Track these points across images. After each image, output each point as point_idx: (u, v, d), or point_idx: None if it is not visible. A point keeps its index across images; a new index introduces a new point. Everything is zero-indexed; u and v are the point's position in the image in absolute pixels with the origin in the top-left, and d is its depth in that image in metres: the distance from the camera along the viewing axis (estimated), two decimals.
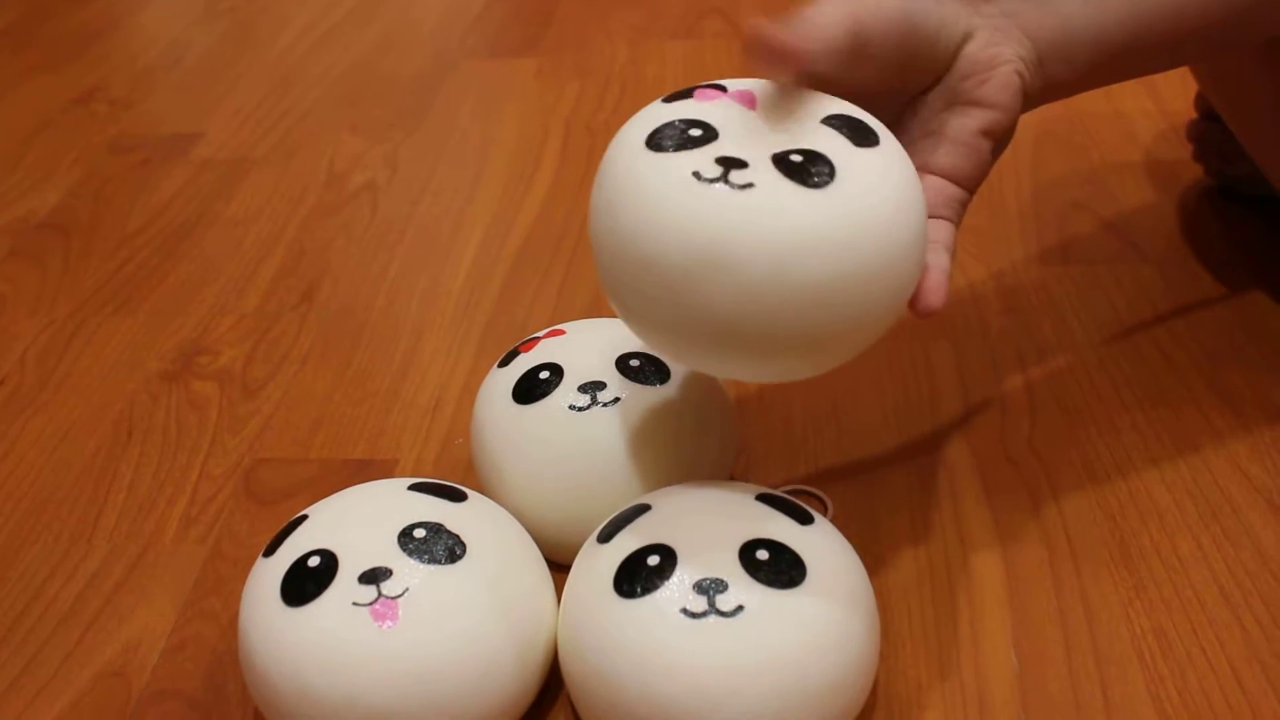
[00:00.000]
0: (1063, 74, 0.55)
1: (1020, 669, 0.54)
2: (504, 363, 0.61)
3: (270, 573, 0.50)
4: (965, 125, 0.53)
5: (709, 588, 0.46)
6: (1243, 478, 0.63)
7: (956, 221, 0.54)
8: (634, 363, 0.59)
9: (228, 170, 1.00)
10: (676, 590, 0.47)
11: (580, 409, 0.57)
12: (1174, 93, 0.98)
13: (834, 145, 0.46)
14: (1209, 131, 0.86)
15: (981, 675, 0.54)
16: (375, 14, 1.29)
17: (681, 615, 0.46)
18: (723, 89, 0.50)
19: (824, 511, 0.62)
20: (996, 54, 0.53)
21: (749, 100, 0.49)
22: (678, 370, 0.59)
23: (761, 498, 0.51)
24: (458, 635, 0.48)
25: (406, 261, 0.86)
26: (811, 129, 0.47)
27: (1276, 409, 0.68)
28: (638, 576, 0.48)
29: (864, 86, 0.51)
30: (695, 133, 0.47)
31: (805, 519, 0.50)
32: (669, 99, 0.50)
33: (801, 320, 0.45)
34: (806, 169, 0.45)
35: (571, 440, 0.57)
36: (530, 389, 0.58)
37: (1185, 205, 0.87)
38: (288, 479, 0.67)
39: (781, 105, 0.49)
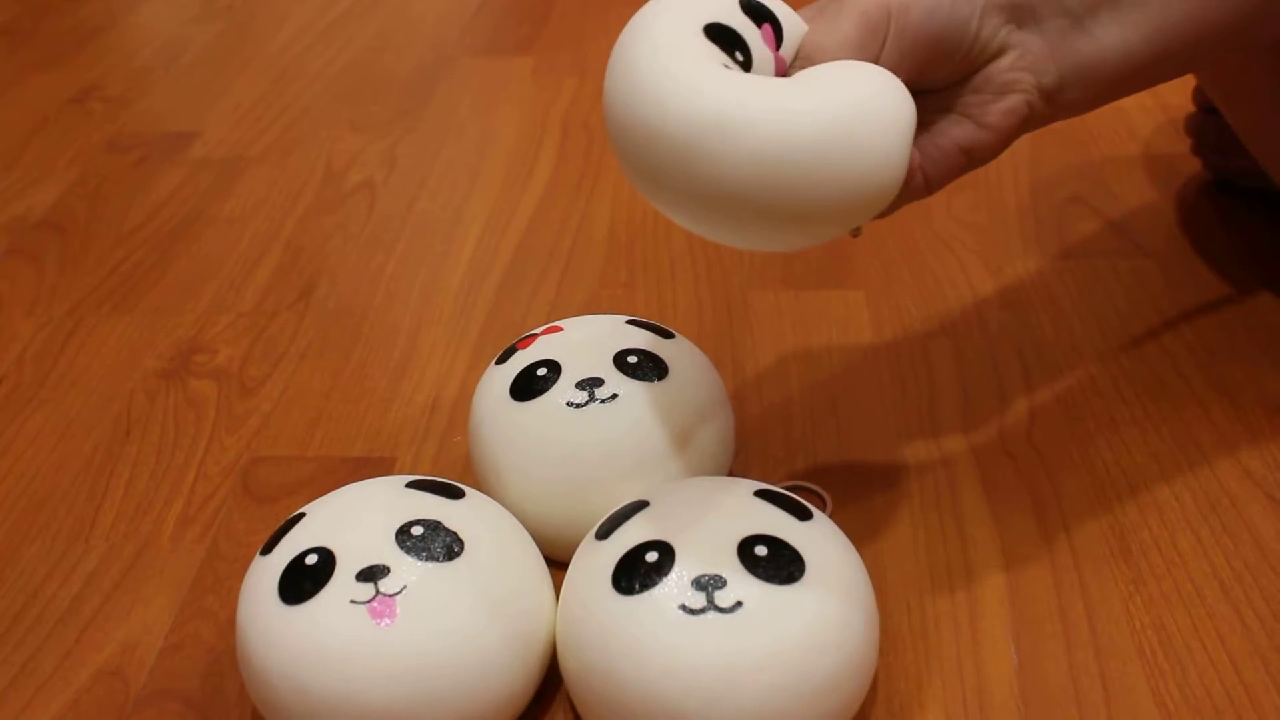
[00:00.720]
0: (1078, 97, 0.55)
1: (1020, 665, 0.54)
2: (501, 360, 0.61)
3: (268, 571, 0.50)
4: (953, 135, 0.53)
5: (707, 584, 0.46)
6: (1242, 472, 0.63)
7: None
8: (632, 359, 0.59)
9: (225, 168, 0.99)
10: (675, 586, 0.47)
11: (578, 406, 0.57)
12: (1172, 87, 0.97)
13: None
14: (1207, 125, 0.86)
15: (981, 671, 0.53)
16: (373, 11, 1.29)
17: (680, 611, 0.46)
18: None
19: (823, 508, 0.62)
20: (1015, 80, 0.52)
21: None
22: (676, 367, 0.59)
23: (760, 494, 0.51)
24: (456, 632, 0.48)
25: (404, 259, 0.86)
26: None
27: (1275, 403, 0.67)
28: (636, 573, 0.47)
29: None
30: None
31: (804, 515, 0.50)
32: None
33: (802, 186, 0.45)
34: None
35: (569, 437, 0.57)
36: (528, 386, 0.58)
37: (1184, 199, 0.87)
38: (285, 477, 0.67)
39: None
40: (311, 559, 0.49)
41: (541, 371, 0.58)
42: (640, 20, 0.49)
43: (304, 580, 0.49)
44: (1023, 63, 0.52)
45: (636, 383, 0.58)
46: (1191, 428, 0.66)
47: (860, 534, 0.60)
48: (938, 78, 0.52)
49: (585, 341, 0.60)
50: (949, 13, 0.50)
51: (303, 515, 0.52)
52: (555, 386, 0.58)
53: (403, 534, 0.50)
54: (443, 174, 0.97)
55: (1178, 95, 0.95)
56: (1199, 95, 0.87)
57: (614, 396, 0.57)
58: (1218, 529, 0.60)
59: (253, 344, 0.78)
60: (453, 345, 0.76)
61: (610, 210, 0.90)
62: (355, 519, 0.51)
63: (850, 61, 0.48)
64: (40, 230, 0.92)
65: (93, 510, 0.66)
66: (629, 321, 0.62)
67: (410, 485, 0.53)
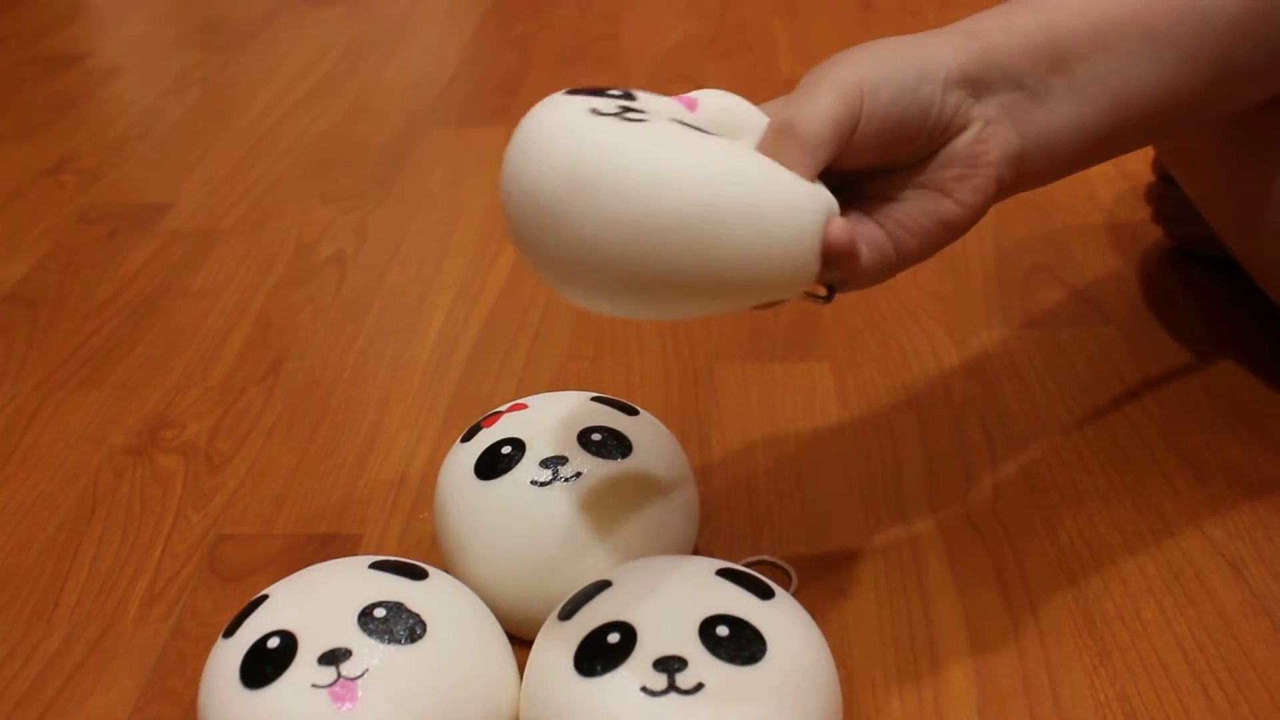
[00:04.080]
0: (1042, 168, 0.56)
1: None
2: (466, 438, 0.61)
3: (230, 654, 0.50)
4: (929, 211, 0.53)
5: (669, 665, 0.46)
6: (1205, 540, 0.64)
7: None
8: (596, 437, 0.59)
9: (196, 241, 1.00)
10: (637, 668, 0.47)
11: (542, 484, 0.57)
12: (1133, 155, 0.99)
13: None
14: (1166, 194, 0.88)
15: None
16: (345, 83, 1.30)
17: (642, 694, 0.46)
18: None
19: (788, 582, 0.62)
20: (983, 153, 0.53)
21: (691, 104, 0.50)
22: (640, 445, 0.59)
23: (722, 572, 0.51)
24: (418, 716, 0.48)
25: (373, 333, 0.86)
26: None
27: (1238, 470, 0.68)
28: (598, 655, 0.47)
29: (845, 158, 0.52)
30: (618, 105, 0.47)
31: (766, 593, 0.50)
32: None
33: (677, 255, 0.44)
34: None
35: (534, 516, 0.57)
36: (492, 464, 0.58)
37: (1146, 267, 0.88)
38: (252, 555, 0.67)
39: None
40: (273, 642, 0.49)
41: (506, 450, 0.59)
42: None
43: (266, 664, 0.49)
44: (986, 134, 0.53)
45: (601, 461, 0.58)
46: (1154, 497, 0.67)
47: (824, 608, 0.60)
48: (906, 154, 0.53)
49: (550, 419, 0.60)
50: (914, 92, 0.51)
51: (266, 597, 0.52)
52: (519, 465, 0.58)
53: (365, 616, 0.50)
54: (413, 245, 0.97)
55: (1139, 163, 0.97)
56: (1158, 165, 0.89)
57: (578, 475, 0.57)
58: (1181, 599, 0.60)
59: (221, 419, 0.78)
60: (420, 419, 0.77)
61: None
62: (318, 601, 0.51)
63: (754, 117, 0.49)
64: (10, 304, 0.92)
65: (56, 589, 0.65)
66: (593, 398, 0.62)
67: (373, 566, 0.53)
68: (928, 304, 0.85)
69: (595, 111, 0.46)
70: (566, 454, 0.58)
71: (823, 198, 0.49)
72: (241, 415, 0.78)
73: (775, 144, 0.50)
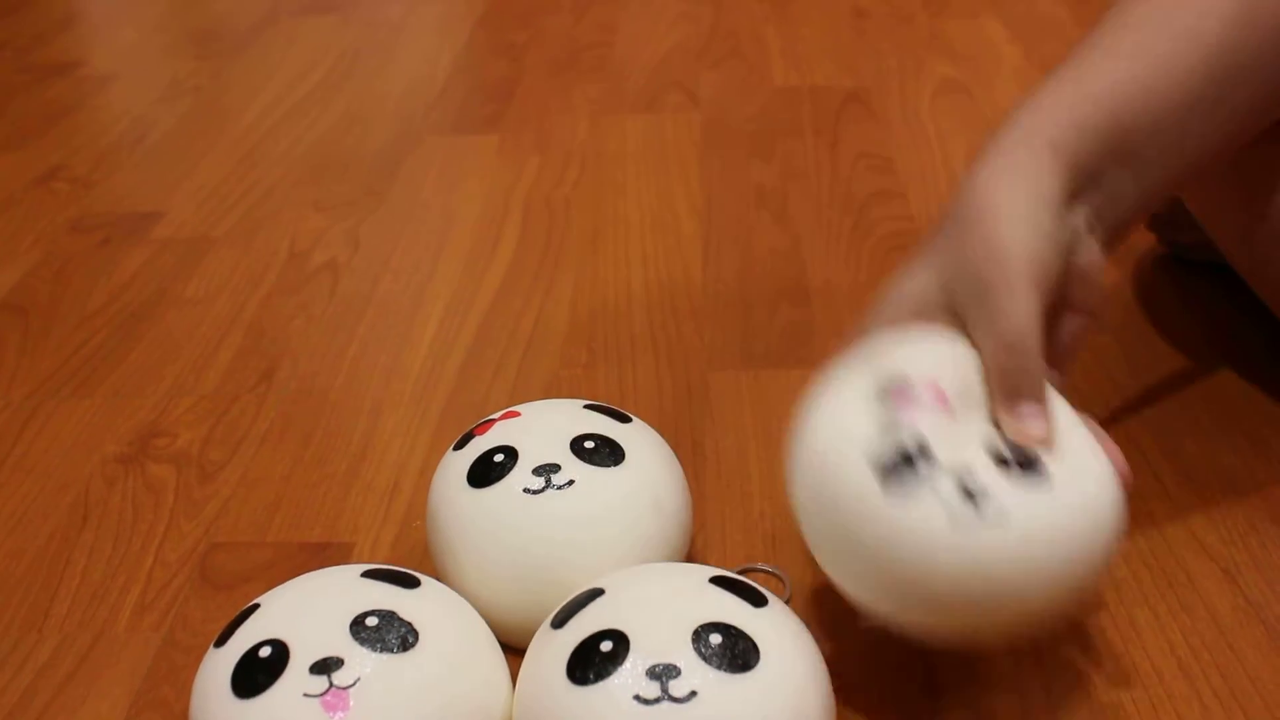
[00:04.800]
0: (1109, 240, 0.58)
1: None
2: (459, 446, 0.61)
3: (221, 664, 0.50)
4: (1077, 335, 0.56)
5: (662, 673, 0.46)
6: (1199, 546, 0.64)
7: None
8: (589, 444, 0.59)
9: (188, 249, 1.00)
10: (629, 676, 0.46)
11: (534, 492, 0.57)
12: None
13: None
14: None
15: None
16: (339, 91, 1.30)
17: (635, 702, 0.46)
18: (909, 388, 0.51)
19: (783, 590, 0.62)
20: (1095, 259, 0.56)
21: (939, 393, 0.51)
22: (633, 452, 0.59)
23: (715, 580, 0.51)
24: None
25: (366, 341, 0.86)
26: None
27: (1232, 477, 0.68)
28: (591, 663, 0.47)
29: None
30: (917, 460, 0.49)
31: (759, 601, 0.50)
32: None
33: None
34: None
35: (526, 524, 0.57)
36: (484, 472, 0.58)
37: (1140, 273, 0.88)
38: (244, 563, 0.67)
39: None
40: (265, 651, 0.49)
41: (498, 458, 0.59)
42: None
43: (257, 673, 0.48)
44: (1091, 242, 0.56)
45: (593, 468, 0.58)
46: (1148, 503, 0.67)
47: (818, 616, 0.60)
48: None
49: (542, 427, 0.60)
50: (1057, 238, 0.54)
51: (257, 606, 0.52)
52: (512, 472, 0.58)
53: (357, 625, 0.49)
54: (406, 253, 0.97)
55: None
56: None
57: (570, 483, 0.57)
58: (1175, 605, 0.60)
59: (213, 427, 0.78)
60: (413, 428, 0.76)
61: (571, 290, 0.91)
62: (310, 610, 0.51)
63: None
64: (1, 312, 0.92)
65: (47, 599, 0.65)
66: (586, 406, 0.62)
67: (366, 575, 0.53)
68: None
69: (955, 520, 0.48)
70: (559, 461, 0.58)
71: (1109, 482, 0.52)
72: (234, 424, 0.78)
73: (1011, 385, 0.51)
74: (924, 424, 0.49)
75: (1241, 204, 0.71)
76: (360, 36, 1.46)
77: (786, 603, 0.53)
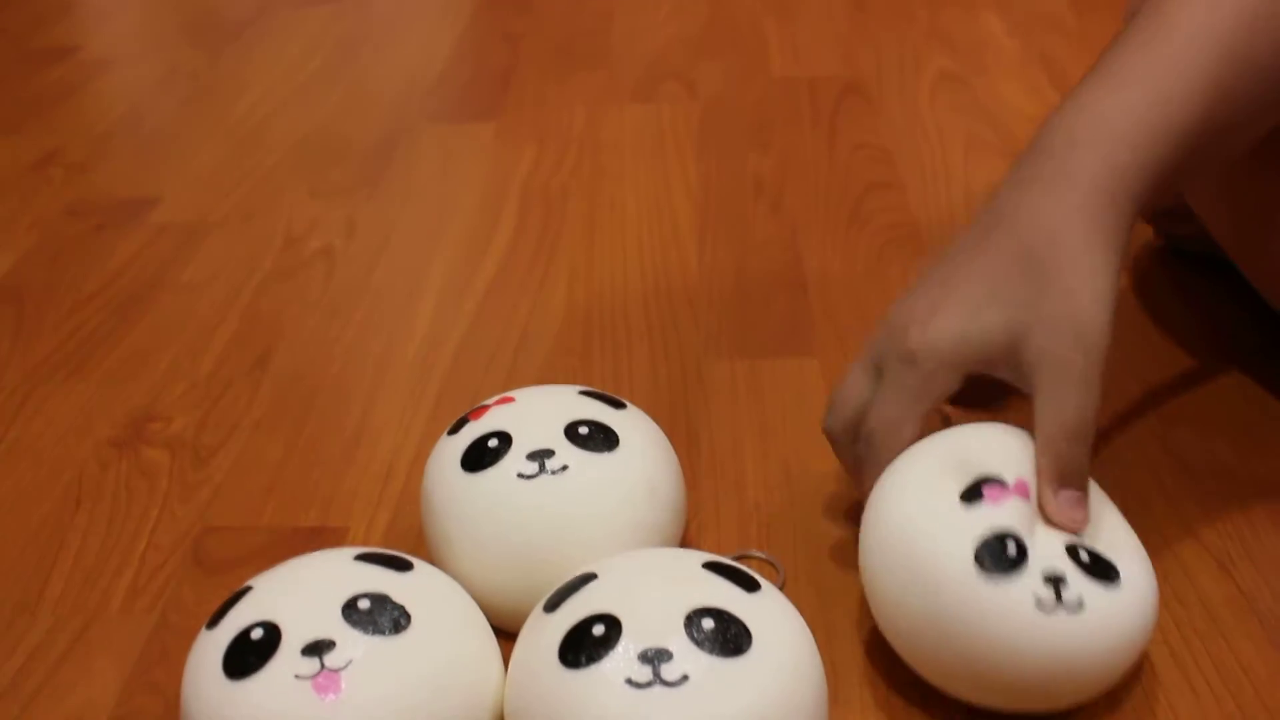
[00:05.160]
0: None
1: None
2: (453, 430, 0.61)
3: (213, 645, 0.50)
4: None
5: (654, 657, 0.46)
6: (1194, 539, 0.64)
7: None
8: (583, 430, 0.59)
9: (184, 235, 0.99)
10: (621, 660, 0.46)
11: (529, 477, 0.57)
12: None
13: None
14: None
15: None
16: (336, 78, 1.30)
17: (626, 685, 0.46)
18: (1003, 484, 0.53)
19: (776, 576, 0.62)
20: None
21: (1025, 490, 0.53)
22: (627, 438, 0.59)
23: (708, 565, 0.51)
24: (401, 708, 0.48)
25: (362, 327, 0.86)
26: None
27: (1228, 469, 0.68)
28: (583, 646, 0.47)
29: None
30: (1012, 551, 0.51)
31: (752, 586, 0.50)
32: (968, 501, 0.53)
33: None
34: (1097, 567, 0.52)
35: (520, 509, 0.57)
36: (479, 457, 0.58)
37: (1137, 265, 0.88)
38: (237, 547, 0.66)
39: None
40: (257, 633, 0.49)
41: (493, 443, 0.58)
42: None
43: (249, 655, 0.48)
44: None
45: (587, 454, 0.58)
46: (1144, 494, 0.67)
47: (812, 604, 0.60)
48: None
49: (537, 412, 0.60)
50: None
51: (249, 588, 0.52)
52: (506, 458, 0.58)
53: (349, 608, 0.49)
54: (402, 241, 0.97)
55: None
56: None
57: (564, 468, 0.57)
58: (1169, 597, 0.60)
59: (208, 412, 0.78)
60: (408, 414, 0.76)
61: (567, 278, 0.90)
62: (302, 592, 0.51)
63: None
64: None
65: (40, 581, 0.65)
66: (581, 392, 0.62)
67: (358, 558, 0.53)
68: None
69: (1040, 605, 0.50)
70: (553, 447, 0.58)
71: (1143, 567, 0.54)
72: (228, 409, 0.78)
73: (1063, 471, 0.53)
74: (1017, 518, 0.52)
75: (1242, 196, 0.71)
76: (358, 24, 1.46)
77: (780, 589, 0.53)
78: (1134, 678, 0.56)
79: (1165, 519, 0.65)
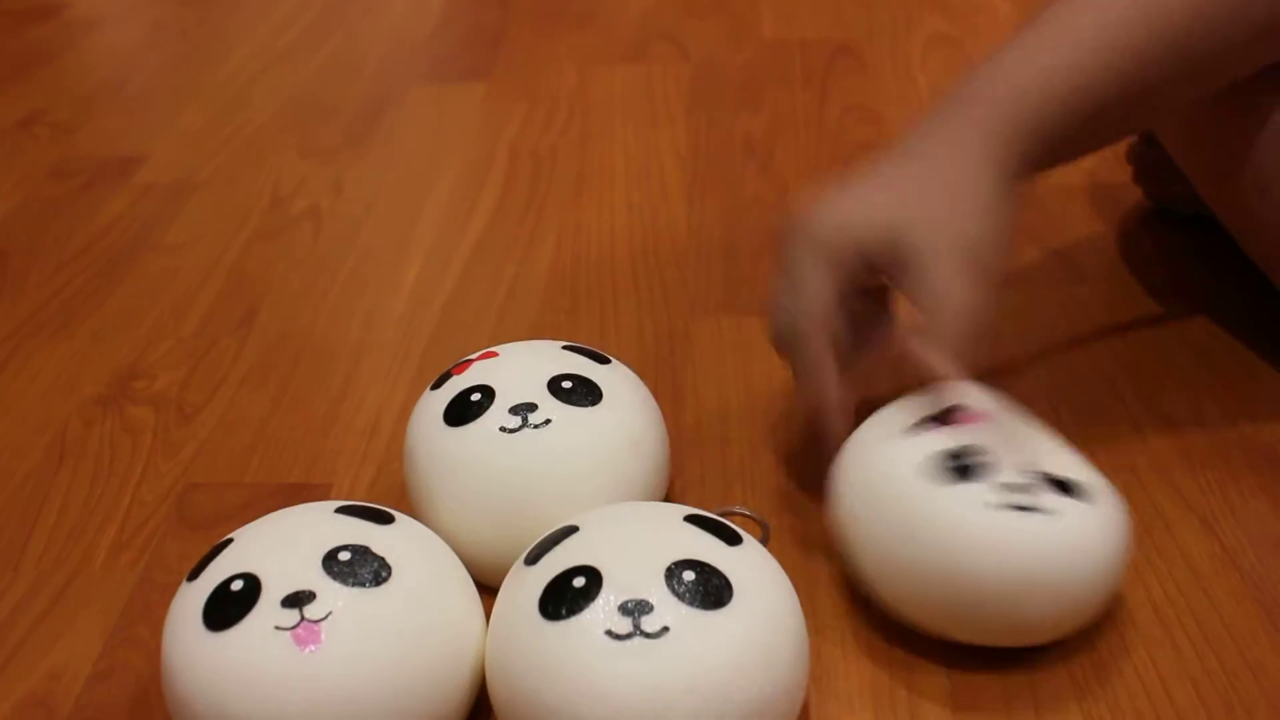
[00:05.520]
0: None
1: (952, 686, 0.54)
2: (436, 385, 0.61)
3: (193, 597, 0.49)
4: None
5: (634, 609, 0.46)
6: (1177, 495, 0.64)
7: None
8: (566, 384, 0.58)
9: (170, 194, 0.99)
10: (602, 612, 0.46)
11: (511, 431, 0.57)
12: None
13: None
14: (1148, 154, 0.87)
15: (914, 693, 0.53)
16: (325, 37, 1.29)
17: (606, 637, 0.46)
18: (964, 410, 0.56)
19: (760, 533, 0.62)
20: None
21: (987, 418, 0.55)
22: (610, 392, 0.59)
23: (690, 519, 0.51)
24: (382, 659, 0.47)
25: (347, 285, 0.86)
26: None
27: (1211, 427, 0.68)
28: (563, 598, 0.47)
29: None
30: (968, 462, 0.53)
31: (733, 540, 0.50)
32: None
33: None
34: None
35: (502, 463, 0.57)
36: (461, 411, 0.58)
37: (1125, 227, 0.88)
38: (221, 504, 0.66)
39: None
40: (237, 585, 0.49)
41: (475, 397, 0.58)
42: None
43: (229, 606, 0.48)
44: None
45: (570, 408, 0.58)
46: (1128, 453, 0.67)
47: (796, 561, 0.60)
48: None
49: (520, 367, 0.60)
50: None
51: (230, 541, 0.52)
52: (489, 412, 0.57)
53: (330, 559, 0.49)
54: (389, 200, 0.97)
55: None
56: None
57: (547, 422, 0.57)
58: (1151, 553, 0.60)
59: (192, 370, 0.77)
60: (393, 371, 0.76)
61: (555, 236, 0.90)
62: (282, 544, 0.51)
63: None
64: None
65: (23, 538, 0.65)
66: (565, 347, 0.62)
67: (339, 510, 0.52)
68: None
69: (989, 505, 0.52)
70: (536, 401, 0.58)
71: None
72: (213, 366, 0.78)
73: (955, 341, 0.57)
74: (975, 439, 0.54)
75: (1229, 155, 0.70)
76: None
77: (764, 545, 0.53)
78: (1114, 631, 0.56)
79: (1148, 476, 0.65)
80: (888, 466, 0.54)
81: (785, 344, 0.61)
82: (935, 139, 0.61)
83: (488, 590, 0.54)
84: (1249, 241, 0.73)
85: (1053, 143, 0.61)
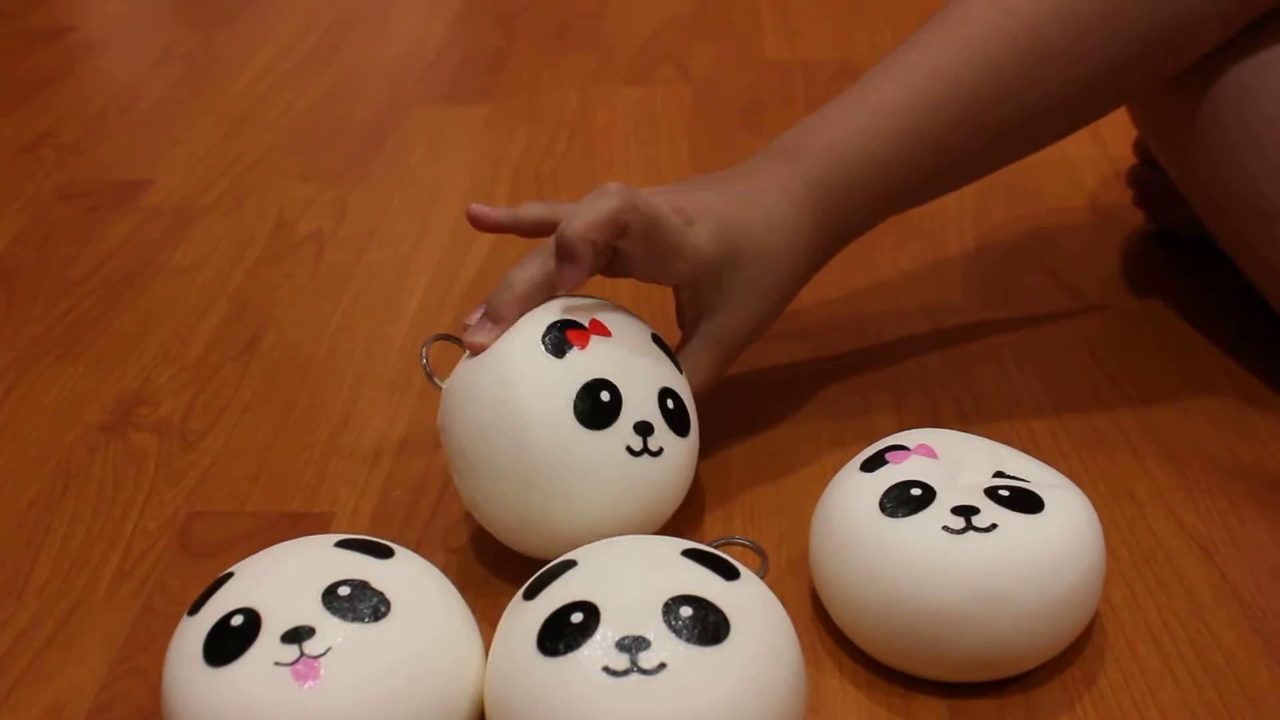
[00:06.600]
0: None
1: (951, 716, 0.54)
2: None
3: (193, 631, 0.50)
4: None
5: (631, 645, 0.46)
6: (1177, 524, 0.64)
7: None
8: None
9: (176, 217, 0.99)
10: (599, 648, 0.46)
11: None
12: (1119, 138, 0.99)
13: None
14: (1149, 177, 0.87)
15: None
16: (330, 60, 1.29)
17: (604, 674, 0.46)
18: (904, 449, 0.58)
19: (760, 563, 0.62)
20: None
21: (930, 452, 0.58)
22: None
23: (688, 553, 0.51)
24: (380, 694, 0.48)
25: (350, 311, 0.86)
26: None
27: (1212, 455, 0.68)
28: (561, 634, 0.47)
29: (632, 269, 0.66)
30: (916, 492, 0.55)
31: (731, 574, 0.50)
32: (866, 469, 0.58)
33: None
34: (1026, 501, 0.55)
35: None
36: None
37: (1127, 250, 0.88)
38: (223, 533, 0.67)
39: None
40: (237, 620, 0.49)
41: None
42: None
43: (229, 641, 0.48)
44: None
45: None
46: (1128, 479, 0.67)
47: (795, 590, 0.60)
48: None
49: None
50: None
51: (230, 574, 0.52)
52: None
53: (329, 594, 0.49)
54: (392, 224, 0.97)
55: (1122, 146, 0.97)
56: (1140, 147, 0.89)
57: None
58: (1151, 583, 0.60)
59: (196, 396, 0.78)
60: (395, 398, 0.76)
61: None
62: (282, 579, 0.51)
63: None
64: None
65: (27, 566, 0.65)
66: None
67: (339, 544, 0.53)
68: (906, 285, 0.85)
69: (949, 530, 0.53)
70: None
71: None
72: (217, 392, 0.78)
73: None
74: (921, 472, 0.56)
75: (1227, 179, 0.70)
76: (352, 6, 1.45)
77: (762, 577, 0.53)
78: (1114, 664, 0.56)
79: (1148, 504, 0.65)
80: (836, 506, 0.57)
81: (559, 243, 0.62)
82: (761, 172, 0.67)
83: (485, 619, 0.54)
84: (1250, 267, 0.73)
85: (853, 205, 0.67)
